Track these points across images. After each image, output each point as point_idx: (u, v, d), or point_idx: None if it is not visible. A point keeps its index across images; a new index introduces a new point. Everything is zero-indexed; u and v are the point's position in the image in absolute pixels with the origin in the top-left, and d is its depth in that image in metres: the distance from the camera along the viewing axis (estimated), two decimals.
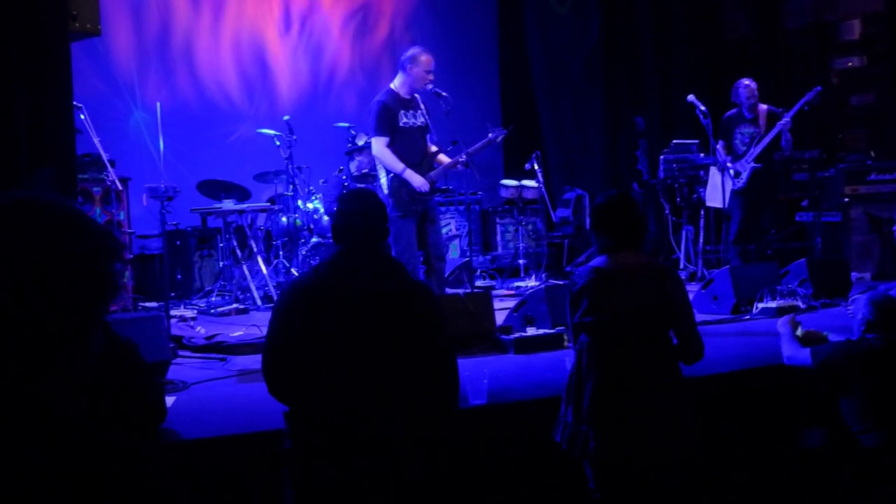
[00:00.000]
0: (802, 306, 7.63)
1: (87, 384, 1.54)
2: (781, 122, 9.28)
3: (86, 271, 1.48)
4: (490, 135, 7.83)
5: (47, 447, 1.41)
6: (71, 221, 1.50)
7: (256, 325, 7.50)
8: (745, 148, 9.51)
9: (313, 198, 9.86)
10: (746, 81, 9.58)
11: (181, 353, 6.76)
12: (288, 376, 3.47)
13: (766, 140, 9.40)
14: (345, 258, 3.53)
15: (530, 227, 11.52)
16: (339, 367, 3.39)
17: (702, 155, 10.72)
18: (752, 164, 9.41)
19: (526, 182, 11.26)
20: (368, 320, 3.40)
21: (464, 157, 7.69)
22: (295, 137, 9.60)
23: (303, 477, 3.41)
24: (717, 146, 9.56)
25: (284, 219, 9.70)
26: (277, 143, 9.66)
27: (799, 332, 5.35)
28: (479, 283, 10.36)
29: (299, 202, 9.70)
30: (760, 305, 7.63)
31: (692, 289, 8.29)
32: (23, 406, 1.43)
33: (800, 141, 9.84)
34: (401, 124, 7.55)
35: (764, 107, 9.55)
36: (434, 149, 7.78)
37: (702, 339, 4.21)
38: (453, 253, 10.80)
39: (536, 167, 10.49)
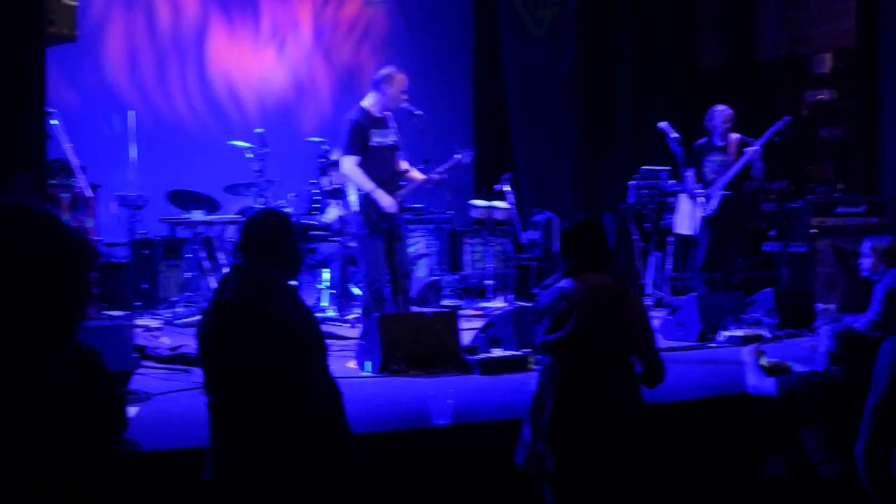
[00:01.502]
0: (767, 336, 7.68)
1: (63, 384, 1.56)
2: (751, 149, 9.33)
3: (68, 276, 1.50)
4: (456, 156, 7.83)
5: (29, 440, 1.42)
6: (54, 228, 1.51)
7: None
8: (714, 176, 9.55)
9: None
10: (721, 107, 9.62)
11: (144, 363, 6.71)
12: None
13: (735, 168, 9.43)
14: (230, 278, 3.59)
15: (499, 248, 11.52)
16: (230, 389, 3.48)
17: (671, 182, 10.79)
18: (722, 192, 9.46)
19: (496, 203, 11.27)
20: (241, 344, 3.43)
21: (436, 176, 7.71)
22: (267, 150, 9.56)
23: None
24: (688, 173, 9.61)
25: None
26: (249, 155, 9.62)
27: (764, 361, 5.39)
28: (445, 302, 10.35)
29: None
30: (726, 334, 7.66)
31: (658, 315, 8.36)
32: (6, 401, 1.44)
33: (768, 171, 9.91)
34: (372, 143, 7.53)
35: (735, 136, 9.59)
36: (405, 166, 7.78)
37: (663, 362, 4.23)
38: (421, 272, 10.79)
39: (507, 188, 10.50)
